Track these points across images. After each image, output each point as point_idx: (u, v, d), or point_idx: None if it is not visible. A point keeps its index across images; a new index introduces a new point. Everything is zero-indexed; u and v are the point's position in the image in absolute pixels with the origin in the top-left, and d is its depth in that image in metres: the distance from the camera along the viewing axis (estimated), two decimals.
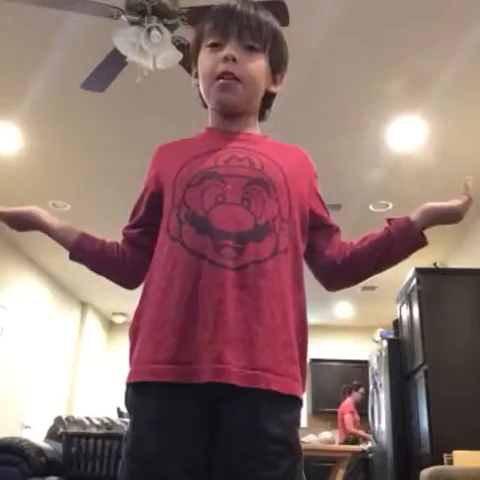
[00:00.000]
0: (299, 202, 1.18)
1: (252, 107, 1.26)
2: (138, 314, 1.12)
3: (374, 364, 6.07)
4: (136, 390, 1.05)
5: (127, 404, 1.07)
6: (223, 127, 1.25)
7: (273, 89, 1.28)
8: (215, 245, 1.05)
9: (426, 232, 1.19)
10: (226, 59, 1.18)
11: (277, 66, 1.27)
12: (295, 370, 1.07)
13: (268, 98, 1.29)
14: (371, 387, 6.13)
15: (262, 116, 1.31)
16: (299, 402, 1.07)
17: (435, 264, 5.24)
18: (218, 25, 1.21)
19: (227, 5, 1.22)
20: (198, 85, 1.27)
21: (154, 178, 1.23)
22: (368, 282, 6.60)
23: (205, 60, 1.22)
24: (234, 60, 1.18)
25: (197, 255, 1.06)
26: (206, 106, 1.29)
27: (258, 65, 1.21)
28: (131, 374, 1.07)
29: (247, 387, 0.99)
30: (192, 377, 0.99)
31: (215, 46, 1.21)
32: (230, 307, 1.02)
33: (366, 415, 6.28)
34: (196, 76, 1.27)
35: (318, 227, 1.24)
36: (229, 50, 1.18)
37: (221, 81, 1.18)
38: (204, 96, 1.26)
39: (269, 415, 1.00)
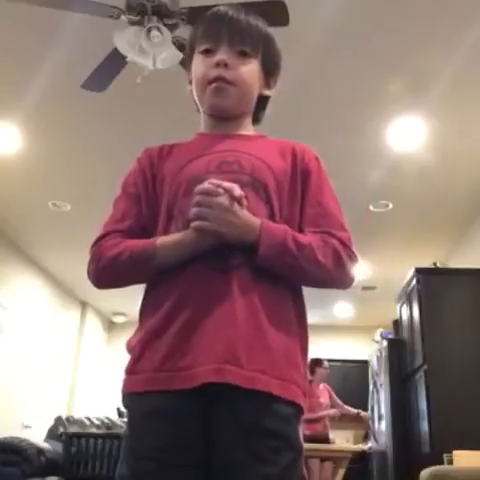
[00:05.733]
0: (290, 202, 1.17)
1: (245, 110, 1.27)
2: (138, 325, 1.12)
3: (374, 364, 6.07)
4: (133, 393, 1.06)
5: (124, 402, 1.08)
6: (215, 131, 1.25)
7: (267, 92, 1.29)
8: (211, 249, 1.06)
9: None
10: (218, 64, 1.19)
11: (270, 69, 1.27)
12: (296, 375, 1.06)
13: (262, 101, 1.29)
14: (371, 387, 6.13)
15: (256, 119, 1.31)
16: (299, 409, 1.05)
17: (435, 264, 5.22)
18: (209, 31, 1.23)
19: (218, 11, 1.24)
20: (192, 91, 1.28)
21: (150, 183, 1.20)
22: (368, 282, 6.63)
23: (198, 66, 1.23)
24: (226, 65, 1.19)
25: (194, 260, 1.07)
26: (199, 111, 1.30)
27: (250, 69, 1.22)
28: (127, 384, 1.07)
29: (244, 387, 0.99)
30: (189, 382, 0.99)
31: (207, 52, 1.22)
32: (228, 309, 1.03)
33: None
34: (190, 82, 1.28)
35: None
36: (221, 56, 1.19)
37: (214, 85, 1.19)
38: (197, 101, 1.27)
39: (268, 411, 1.00)
